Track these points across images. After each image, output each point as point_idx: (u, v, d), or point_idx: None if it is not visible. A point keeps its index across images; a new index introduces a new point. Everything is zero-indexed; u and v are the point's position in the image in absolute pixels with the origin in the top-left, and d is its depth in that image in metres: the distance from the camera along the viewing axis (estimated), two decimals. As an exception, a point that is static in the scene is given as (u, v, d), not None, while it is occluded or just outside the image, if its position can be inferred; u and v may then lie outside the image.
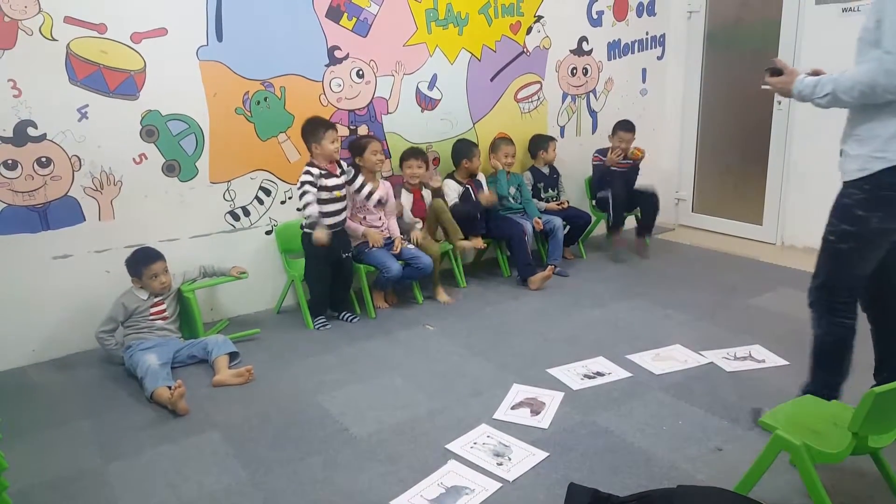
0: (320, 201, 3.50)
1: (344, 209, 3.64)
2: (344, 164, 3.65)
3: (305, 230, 3.52)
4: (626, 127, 4.73)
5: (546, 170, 4.69)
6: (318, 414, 2.71)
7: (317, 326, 3.62)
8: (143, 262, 3.18)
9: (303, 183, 3.44)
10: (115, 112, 3.30)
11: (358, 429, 2.58)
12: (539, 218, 4.41)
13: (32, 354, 3.32)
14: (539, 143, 4.64)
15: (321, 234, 3.41)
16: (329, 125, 3.51)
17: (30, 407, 2.90)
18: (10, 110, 3.07)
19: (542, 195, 4.67)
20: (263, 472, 2.33)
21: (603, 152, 4.79)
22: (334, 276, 3.66)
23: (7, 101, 3.05)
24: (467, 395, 2.81)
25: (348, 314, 3.74)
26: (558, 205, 4.62)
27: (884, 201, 2.04)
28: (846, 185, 2.14)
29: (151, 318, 3.19)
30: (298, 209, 3.56)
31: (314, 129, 3.46)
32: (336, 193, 3.55)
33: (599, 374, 2.96)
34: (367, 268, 3.79)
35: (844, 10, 4.25)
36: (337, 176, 3.56)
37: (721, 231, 5.25)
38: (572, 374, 2.96)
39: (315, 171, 3.46)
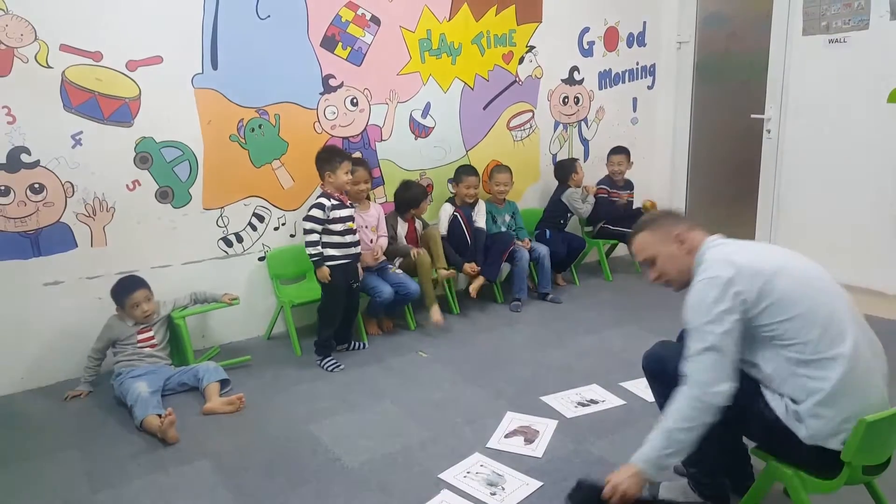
0: (333, 233, 3.40)
1: (358, 241, 3.55)
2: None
3: (314, 263, 3.39)
4: (616, 150, 4.88)
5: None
6: (309, 443, 2.68)
7: (329, 368, 3.41)
8: (123, 292, 3.17)
9: (310, 218, 3.34)
10: (109, 139, 3.31)
11: (350, 458, 2.55)
12: (529, 239, 4.45)
13: (21, 382, 3.28)
14: (567, 168, 4.70)
15: (324, 274, 3.36)
16: (346, 156, 3.43)
17: (16, 436, 2.85)
18: (4, 137, 3.07)
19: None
20: (254, 502, 2.30)
21: (601, 182, 4.85)
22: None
23: (1, 128, 3.06)
24: (460, 424, 2.79)
25: (357, 343, 3.71)
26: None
27: None
28: None
29: (139, 345, 3.17)
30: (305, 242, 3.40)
31: (330, 157, 3.39)
32: (349, 224, 3.45)
33: (593, 401, 2.95)
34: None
35: (831, 41, 4.33)
36: (349, 206, 3.47)
37: (713, 258, 5.27)
38: (566, 402, 2.95)
39: (327, 202, 3.35)
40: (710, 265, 1.89)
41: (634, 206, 4.99)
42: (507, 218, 4.51)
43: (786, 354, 1.79)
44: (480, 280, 4.19)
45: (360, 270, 3.63)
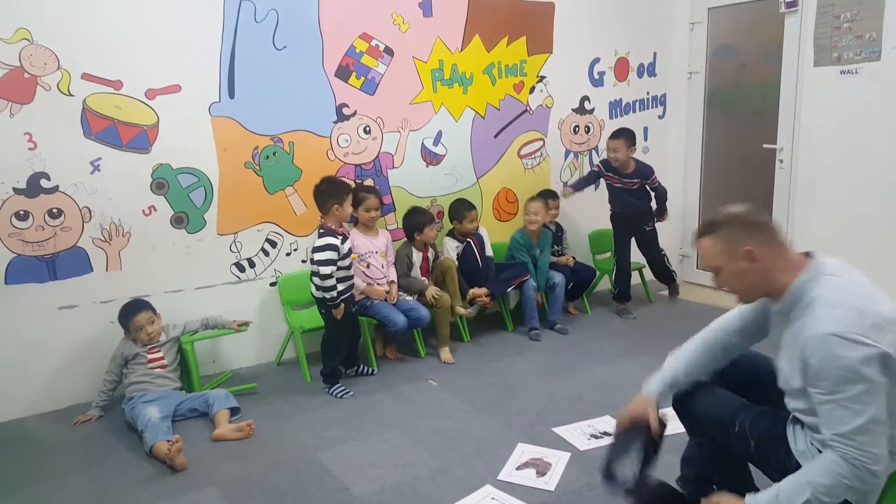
0: (341, 268, 3.40)
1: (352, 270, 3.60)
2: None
3: (329, 304, 3.38)
4: (612, 135, 4.54)
5: (552, 226, 4.73)
6: (318, 471, 2.67)
7: (338, 395, 3.40)
8: (127, 315, 3.21)
9: (328, 262, 3.28)
10: (127, 165, 3.37)
11: (359, 488, 2.53)
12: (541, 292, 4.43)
13: (33, 405, 3.29)
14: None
15: (340, 312, 3.38)
16: (350, 187, 3.47)
17: (27, 460, 2.86)
18: (25, 162, 3.13)
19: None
20: (262, 531, 2.28)
21: (605, 165, 4.63)
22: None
23: (22, 154, 3.12)
24: (471, 455, 2.76)
25: (365, 367, 3.71)
26: (566, 260, 4.64)
27: None
28: None
29: (150, 365, 3.19)
30: (318, 286, 3.36)
31: (338, 190, 3.36)
32: (353, 256, 3.51)
33: (606, 433, 2.91)
34: (370, 321, 3.79)
35: (843, 72, 4.35)
36: (347, 237, 3.47)
37: (725, 287, 5.23)
38: (578, 434, 2.92)
39: (336, 241, 3.32)
40: (835, 314, 1.61)
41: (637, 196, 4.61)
42: (537, 252, 4.44)
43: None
44: (483, 291, 4.15)
45: (355, 292, 3.65)
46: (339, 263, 3.37)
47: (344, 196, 3.35)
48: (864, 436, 1.55)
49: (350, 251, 3.47)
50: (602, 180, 4.72)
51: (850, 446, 1.56)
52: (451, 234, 4.30)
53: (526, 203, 4.47)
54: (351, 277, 3.52)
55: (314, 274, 3.36)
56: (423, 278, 4.08)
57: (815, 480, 1.60)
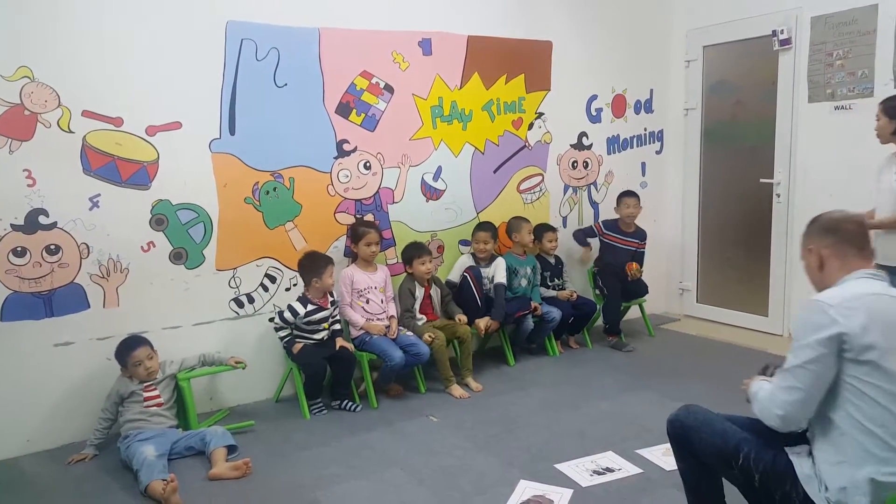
0: (305, 332, 3.64)
1: (329, 334, 3.71)
2: (334, 293, 3.79)
3: (284, 346, 3.66)
4: (628, 193, 4.83)
5: (552, 259, 4.72)
6: (316, 511, 2.61)
7: (313, 411, 3.55)
8: (125, 350, 3.17)
9: (282, 318, 3.58)
10: (126, 201, 3.37)
11: (358, 528, 2.47)
12: (539, 304, 4.42)
13: (27, 445, 3.23)
14: (536, 233, 4.68)
15: (297, 348, 3.59)
16: (329, 260, 3.67)
17: (20, 501, 2.79)
18: (24, 199, 3.13)
19: (548, 283, 4.68)
20: (258, 574, 2.21)
21: (607, 224, 4.84)
22: (333, 365, 3.65)
23: (21, 191, 3.12)
24: (472, 493, 2.71)
25: (350, 403, 3.67)
26: (568, 294, 4.63)
27: None
28: None
29: (146, 404, 3.14)
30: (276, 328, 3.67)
31: (314, 264, 3.62)
32: (323, 325, 3.67)
33: (609, 469, 2.87)
34: (370, 356, 3.75)
35: (836, 108, 4.40)
36: (326, 308, 3.67)
37: (727, 322, 5.22)
38: (581, 470, 2.87)
39: (302, 309, 3.58)
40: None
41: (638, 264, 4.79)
42: (528, 271, 4.49)
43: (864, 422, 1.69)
44: (496, 325, 4.18)
45: (341, 343, 3.71)
46: (303, 327, 3.62)
47: (322, 269, 3.60)
48: (783, 379, 1.78)
49: (322, 320, 3.66)
50: (595, 239, 4.93)
51: (774, 381, 1.82)
52: (473, 254, 4.38)
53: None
54: (318, 342, 3.65)
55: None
56: (423, 316, 4.05)
57: (763, 389, 1.86)
